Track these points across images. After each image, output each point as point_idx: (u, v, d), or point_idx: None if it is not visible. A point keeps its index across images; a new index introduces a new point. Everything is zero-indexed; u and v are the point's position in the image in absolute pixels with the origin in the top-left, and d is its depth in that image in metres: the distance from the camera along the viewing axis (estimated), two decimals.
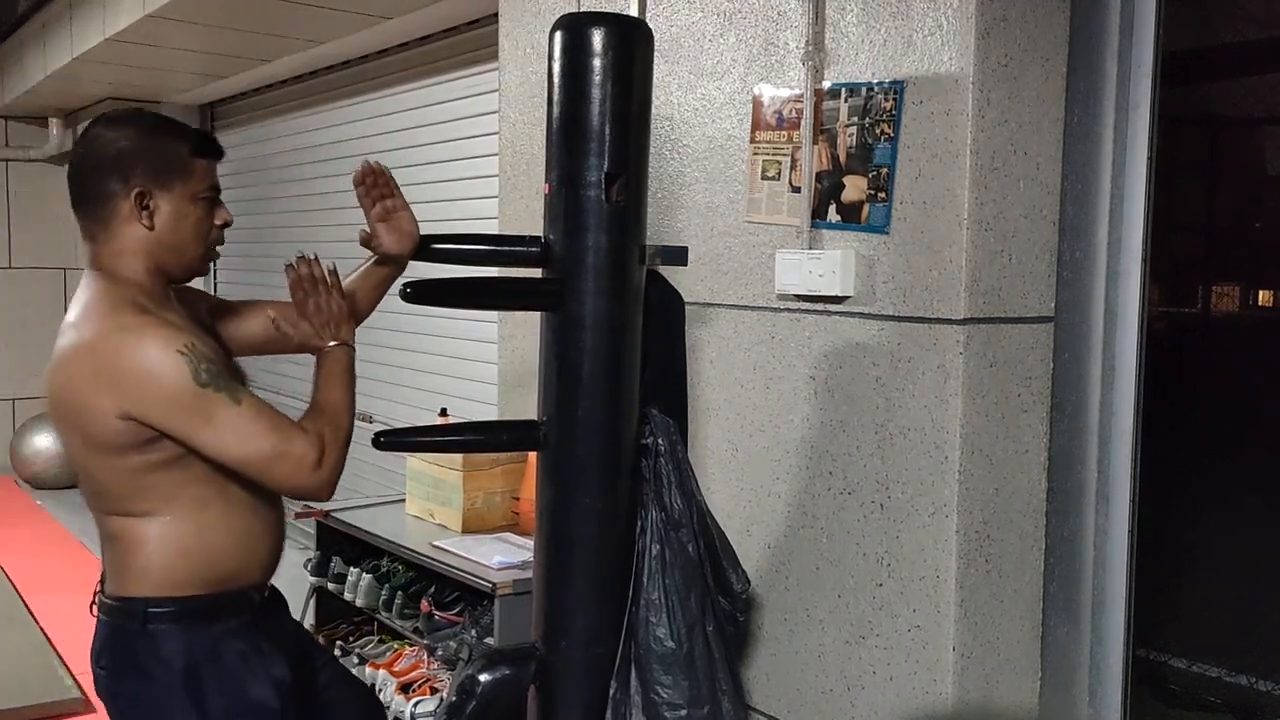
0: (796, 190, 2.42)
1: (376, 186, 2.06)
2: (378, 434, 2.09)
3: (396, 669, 3.29)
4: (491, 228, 3.60)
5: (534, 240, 2.16)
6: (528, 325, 3.17)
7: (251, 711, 1.81)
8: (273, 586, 1.99)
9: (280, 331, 1.92)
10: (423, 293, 2.07)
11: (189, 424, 1.68)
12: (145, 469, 1.73)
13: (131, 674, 1.79)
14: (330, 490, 1.76)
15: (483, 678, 2.18)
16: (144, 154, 1.76)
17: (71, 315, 1.76)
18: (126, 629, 1.80)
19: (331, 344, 1.86)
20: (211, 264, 1.92)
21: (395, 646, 3.44)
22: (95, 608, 1.86)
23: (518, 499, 3.31)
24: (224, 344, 1.97)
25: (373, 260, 2.14)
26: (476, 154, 4.31)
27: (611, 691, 2.10)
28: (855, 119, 2.29)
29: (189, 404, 1.66)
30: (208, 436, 1.68)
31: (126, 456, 1.72)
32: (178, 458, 1.73)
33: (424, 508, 3.38)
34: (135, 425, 1.68)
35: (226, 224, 1.88)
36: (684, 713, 2.08)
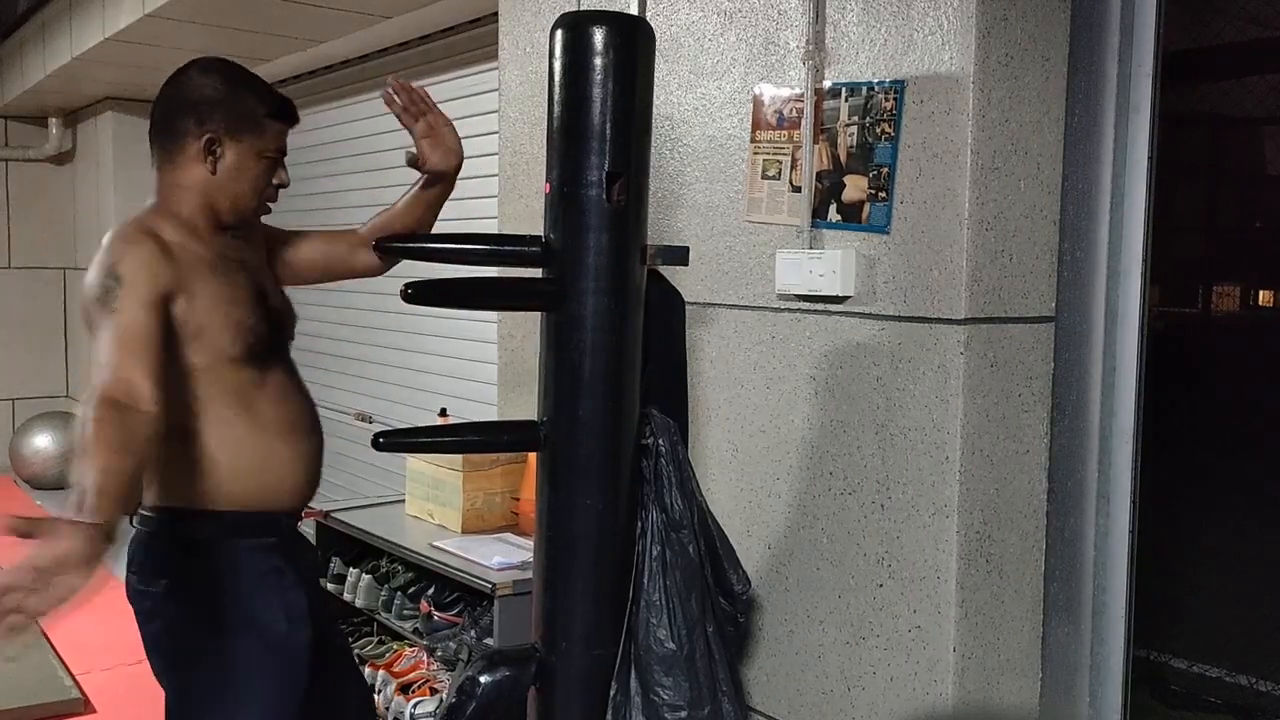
0: (797, 190, 2.42)
1: (414, 104, 2.09)
2: (377, 435, 2.08)
3: (396, 669, 3.29)
4: (491, 228, 3.60)
5: (534, 240, 2.16)
6: (528, 325, 3.16)
7: (258, 629, 1.87)
8: (304, 536, 2.05)
9: (413, 164, 2.06)
10: (423, 293, 2.06)
11: (95, 329, 1.71)
12: (178, 376, 1.78)
13: (156, 577, 1.86)
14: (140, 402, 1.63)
15: (482, 679, 2.18)
16: (222, 104, 1.89)
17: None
18: (156, 535, 1.87)
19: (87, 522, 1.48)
20: (262, 217, 2.05)
21: (395, 647, 3.43)
22: (133, 519, 1.92)
23: (518, 499, 3.30)
24: (281, 270, 2.13)
25: (420, 183, 2.19)
26: (476, 154, 4.29)
27: (612, 693, 2.10)
28: (856, 118, 2.29)
29: (91, 316, 1.72)
30: (95, 349, 1.70)
31: None
32: (194, 372, 1.80)
33: (424, 508, 3.38)
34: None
35: (283, 185, 2.00)
36: (684, 714, 2.08)
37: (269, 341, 1.95)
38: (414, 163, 2.13)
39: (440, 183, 2.18)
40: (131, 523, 1.90)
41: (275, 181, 2.00)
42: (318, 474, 2.01)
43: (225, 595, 1.86)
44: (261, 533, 1.91)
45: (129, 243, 1.79)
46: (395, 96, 2.08)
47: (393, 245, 2.18)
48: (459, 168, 2.17)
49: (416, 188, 2.21)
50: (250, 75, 1.98)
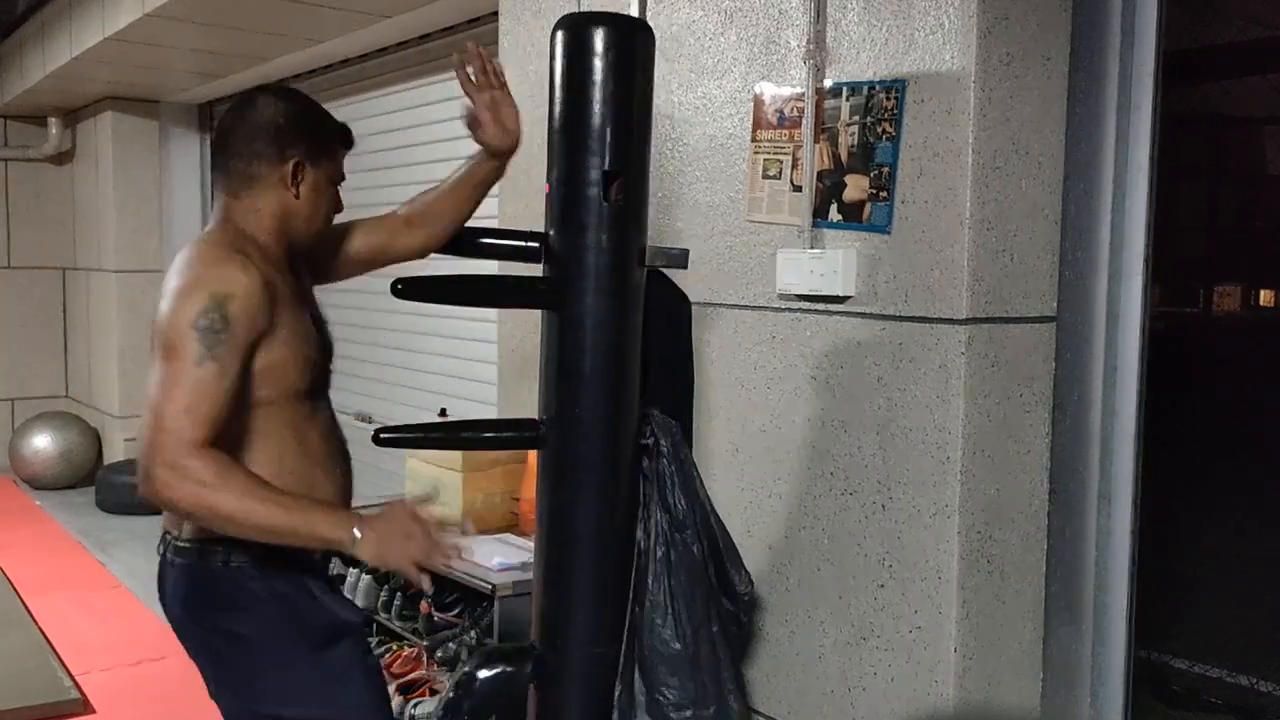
0: (798, 189, 2.42)
1: (485, 74, 2.07)
2: (377, 430, 2.10)
3: (396, 670, 3.29)
4: (491, 227, 3.59)
5: (534, 235, 2.16)
6: (527, 325, 3.16)
7: (344, 627, 1.93)
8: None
9: (471, 127, 2.07)
10: (413, 289, 2.07)
11: (161, 351, 1.72)
12: (238, 409, 1.78)
13: (221, 610, 1.86)
14: (151, 497, 1.72)
15: (479, 674, 2.20)
16: (306, 131, 1.92)
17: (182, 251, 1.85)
18: (208, 568, 1.85)
19: (353, 536, 1.76)
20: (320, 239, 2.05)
21: (395, 648, 3.43)
22: (167, 551, 1.90)
23: (518, 499, 3.30)
24: (326, 269, 2.13)
25: (473, 161, 2.17)
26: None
27: (616, 693, 2.10)
28: (857, 118, 2.29)
29: (176, 336, 1.70)
30: (156, 371, 1.72)
31: None
32: (268, 402, 1.82)
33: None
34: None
35: (338, 210, 2.03)
36: (689, 713, 2.08)
37: (325, 375, 1.99)
38: (472, 126, 2.10)
39: (495, 162, 2.14)
40: (164, 553, 1.91)
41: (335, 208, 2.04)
42: (350, 499, 2.05)
43: (304, 611, 1.89)
44: (311, 556, 1.94)
45: (238, 269, 1.76)
46: (468, 63, 2.05)
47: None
48: (513, 150, 2.13)
49: (468, 166, 2.18)
50: (316, 102, 2.01)
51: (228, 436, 1.76)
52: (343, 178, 2.02)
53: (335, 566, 3.43)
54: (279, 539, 1.75)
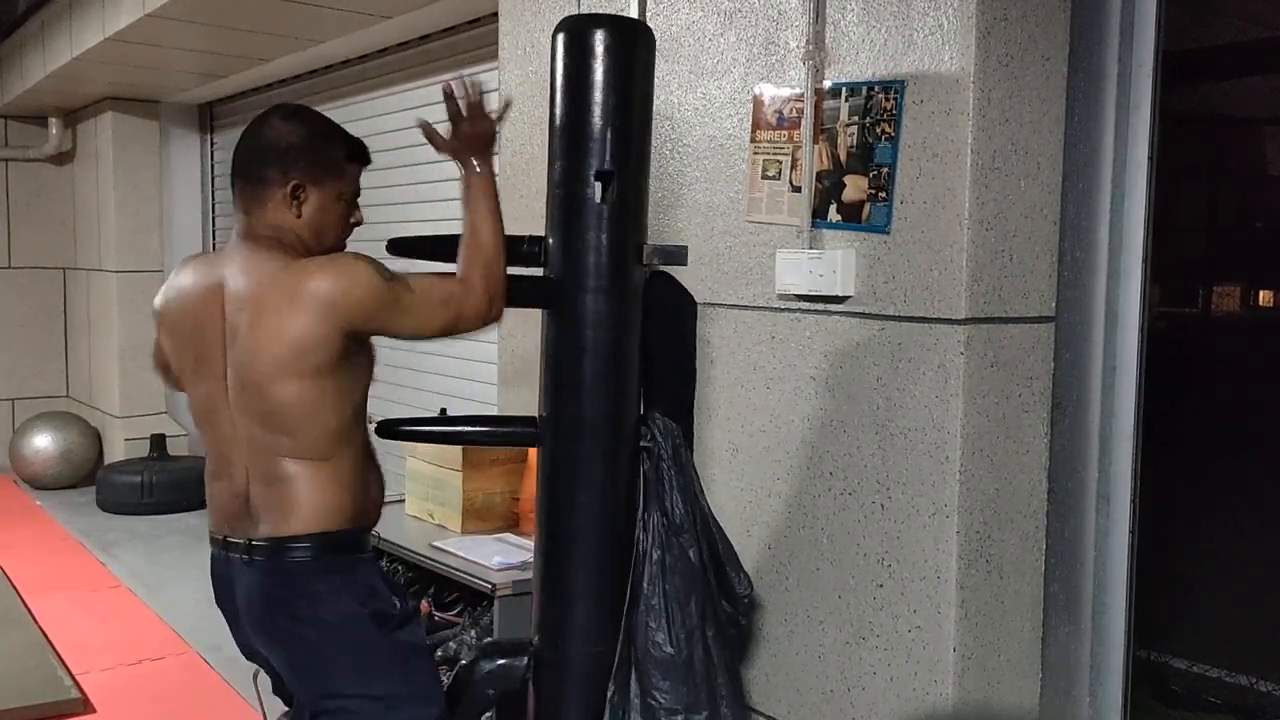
0: (797, 190, 2.42)
1: (469, 107, 2.06)
2: (380, 423, 2.13)
3: None
4: None
5: (535, 240, 2.16)
6: (527, 325, 3.16)
7: (388, 602, 2.03)
8: None
9: (431, 141, 2.09)
10: None
11: (388, 316, 1.92)
12: (354, 409, 1.98)
13: (303, 600, 1.98)
14: (501, 314, 2.03)
15: (479, 666, 2.23)
16: (306, 152, 1.99)
17: (237, 268, 1.97)
18: (285, 563, 1.98)
19: (477, 170, 2.03)
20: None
21: None
22: (236, 553, 2.01)
23: (518, 499, 3.30)
24: None
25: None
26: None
27: (610, 694, 2.10)
28: (856, 118, 2.29)
29: (385, 298, 1.90)
30: (405, 322, 1.94)
31: (347, 390, 1.95)
32: (352, 412, 1.98)
33: (423, 508, 3.38)
34: (353, 343, 1.92)
35: (358, 223, 2.09)
36: (681, 718, 2.08)
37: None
38: (431, 137, 2.09)
39: (460, 166, 2.11)
40: (231, 555, 2.01)
41: (352, 220, 2.09)
42: (384, 494, 2.18)
43: (378, 597, 2.02)
44: (368, 546, 2.09)
45: (346, 256, 1.98)
46: (457, 94, 2.03)
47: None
48: (470, 159, 2.06)
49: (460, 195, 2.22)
50: (328, 121, 2.07)
51: (338, 435, 1.96)
52: (357, 193, 2.08)
53: None
54: (501, 223, 2.03)
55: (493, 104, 2.06)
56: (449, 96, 2.02)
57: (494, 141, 2.06)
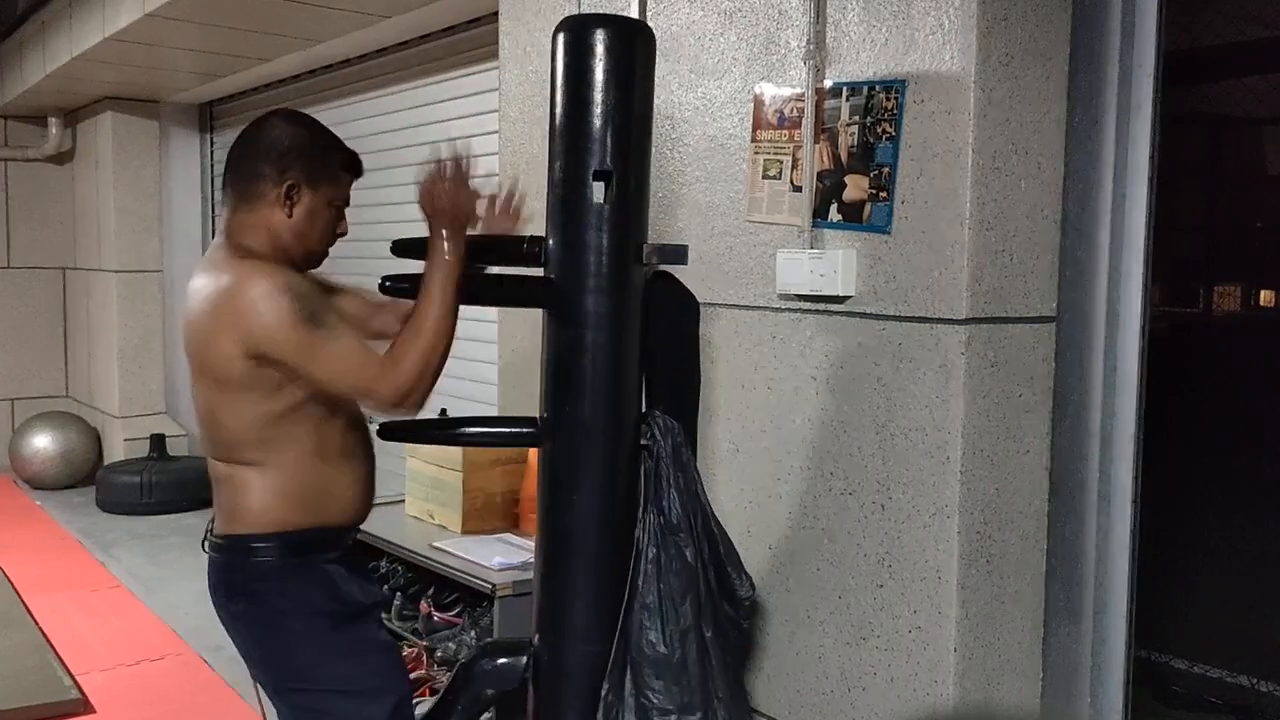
0: (798, 189, 2.42)
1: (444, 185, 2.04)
2: (381, 424, 2.14)
3: None
4: None
5: (535, 240, 2.16)
6: (527, 325, 3.16)
7: (343, 600, 2.05)
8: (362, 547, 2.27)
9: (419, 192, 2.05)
10: (402, 290, 2.08)
11: (298, 358, 1.87)
12: (268, 420, 1.95)
13: (241, 597, 2.03)
14: (419, 406, 1.93)
15: (478, 664, 2.23)
16: (305, 154, 2.01)
17: (201, 273, 1.98)
18: (234, 561, 2.03)
19: (444, 247, 1.96)
20: (322, 261, 2.14)
21: None
22: (206, 546, 2.08)
23: (518, 499, 3.30)
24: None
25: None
26: (476, 154, 4.29)
27: (604, 693, 2.10)
28: (857, 118, 2.29)
29: (295, 340, 1.86)
30: (314, 370, 1.89)
31: (255, 403, 1.93)
32: (293, 411, 1.95)
33: (423, 508, 3.38)
34: (257, 365, 1.88)
35: (343, 234, 2.10)
36: (674, 718, 2.08)
37: None
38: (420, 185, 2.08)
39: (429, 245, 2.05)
40: (204, 548, 2.08)
41: (338, 230, 2.09)
42: (372, 492, 2.15)
43: (309, 585, 2.02)
44: (331, 547, 2.06)
45: (274, 275, 1.91)
46: (444, 159, 2.03)
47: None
48: (439, 230, 2.00)
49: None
50: (328, 130, 2.09)
51: (255, 440, 1.95)
52: (346, 203, 2.09)
53: None
54: (454, 315, 1.95)
55: (478, 180, 2.00)
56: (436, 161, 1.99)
57: (471, 221, 1.99)
